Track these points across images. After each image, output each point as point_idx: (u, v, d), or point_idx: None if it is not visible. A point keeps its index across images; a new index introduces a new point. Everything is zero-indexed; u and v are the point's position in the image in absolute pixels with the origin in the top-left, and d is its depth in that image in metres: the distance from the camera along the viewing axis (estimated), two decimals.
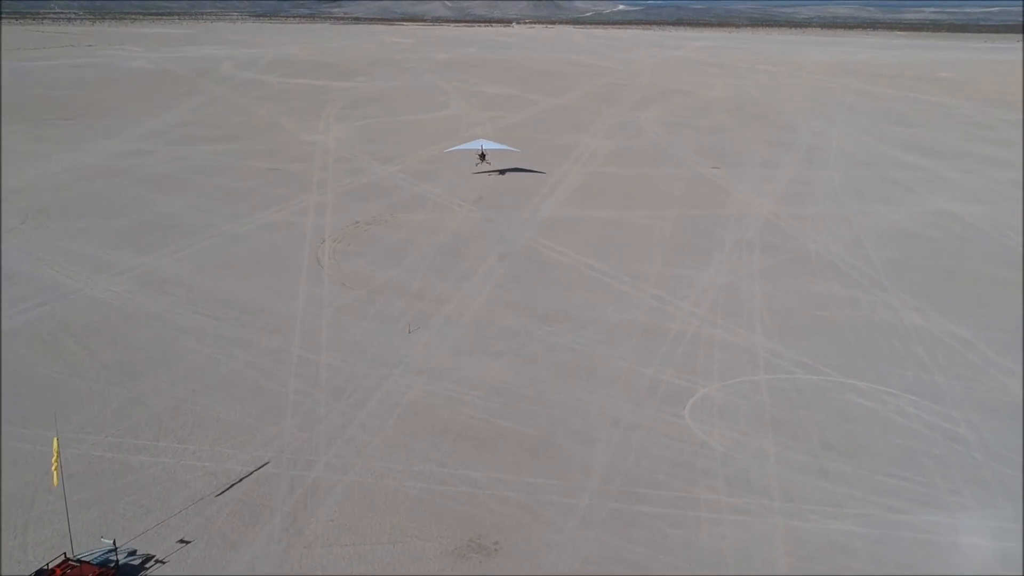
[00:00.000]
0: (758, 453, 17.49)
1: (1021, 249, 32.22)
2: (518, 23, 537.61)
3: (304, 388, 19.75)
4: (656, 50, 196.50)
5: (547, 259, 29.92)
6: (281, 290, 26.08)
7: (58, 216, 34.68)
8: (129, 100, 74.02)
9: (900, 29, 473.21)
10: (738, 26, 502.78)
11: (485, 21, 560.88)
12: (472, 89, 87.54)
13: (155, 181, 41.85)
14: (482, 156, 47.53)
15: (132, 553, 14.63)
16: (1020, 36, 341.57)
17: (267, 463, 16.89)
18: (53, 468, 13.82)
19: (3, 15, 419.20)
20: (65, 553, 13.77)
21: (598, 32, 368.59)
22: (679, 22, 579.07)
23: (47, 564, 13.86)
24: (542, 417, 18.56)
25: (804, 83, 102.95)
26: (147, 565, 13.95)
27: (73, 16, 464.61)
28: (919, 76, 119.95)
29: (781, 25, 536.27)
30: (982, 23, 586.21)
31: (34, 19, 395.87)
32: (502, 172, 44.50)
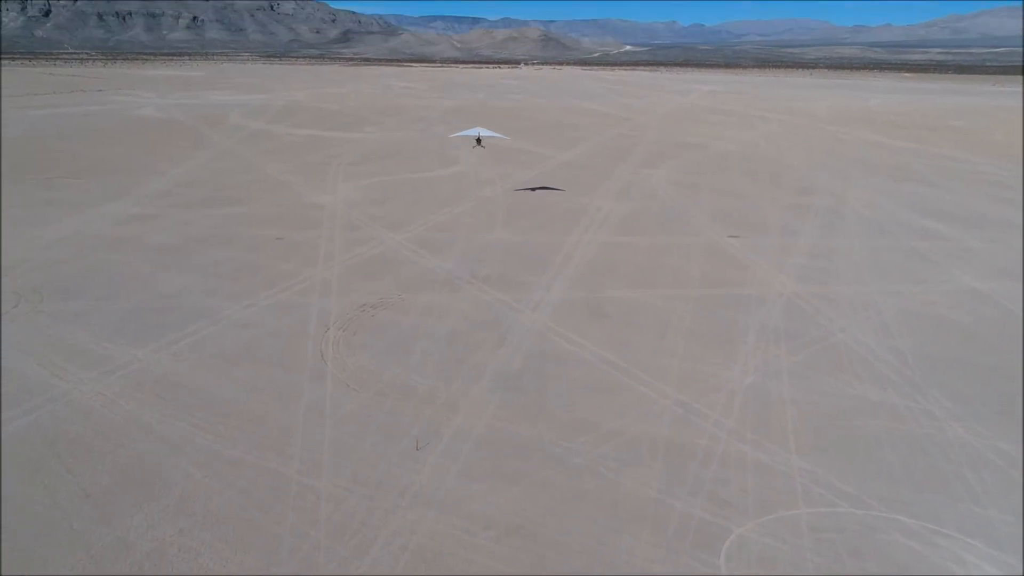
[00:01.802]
0: None
1: None
2: (526, 64, 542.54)
3: (302, 526, 18.11)
4: (664, 95, 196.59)
5: (561, 352, 28.42)
6: (283, 392, 24.66)
7: (53, 297, 33.40)
8: (136, 154, 73.29)
9: (907, 70, 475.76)
10: (745, 67, 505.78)
11: (493, 62, 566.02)
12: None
13: (157, 253, 40.64)
14: (478, 140, 63.96)
15: None
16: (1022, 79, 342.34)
17: None
18: None
19: (17, 56, 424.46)
20: None
21: (606, 75, 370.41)
22: (686, 63, 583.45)
23: None
24: (564, 566, 17.00)
25: (816, 134, 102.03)
26: None
27: (86, 57, 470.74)
28: (931, 126, 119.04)
29: (788, 66, 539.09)
30: (987, 64, 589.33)
31: (47, 60, 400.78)
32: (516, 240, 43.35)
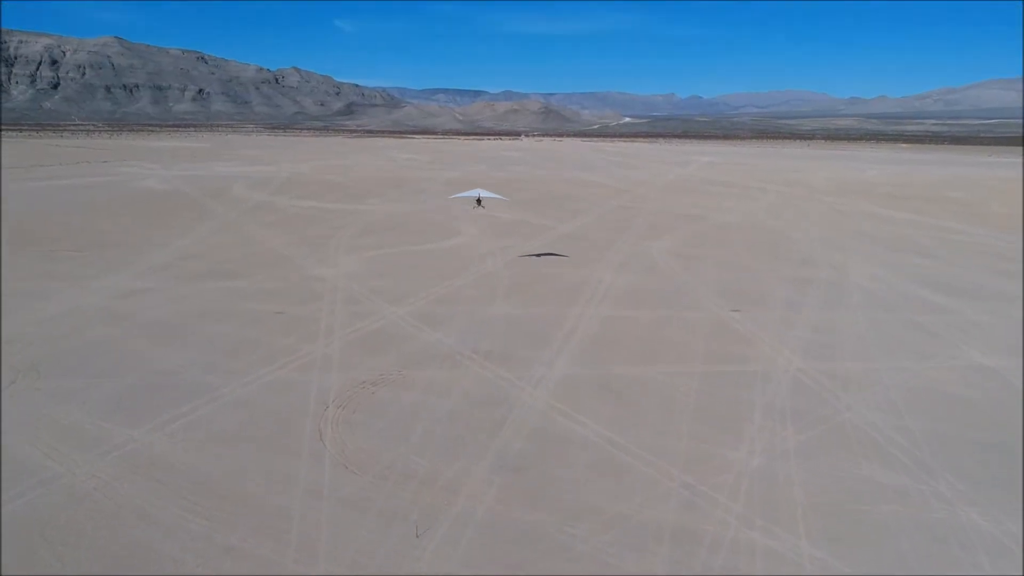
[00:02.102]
0: None
1: None
2: (527, 135, 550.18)
3: None
4: (663, 167, 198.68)
5: (564, 432, 27.91)
6: (280, 475, 24.12)
7: (50, 373, 33.05)
8: (138, 227, 73.61)
9: (903, 141, 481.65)
10: (743, 139, 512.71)
11: (494, 134, 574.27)
12: (483, 213, 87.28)
13: (156, 329, 40.40)
14: (478, 201, 63.94)
15: None
16: (1020, 149, 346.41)
17: None
18: None
19: (25, 128, 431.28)
20: None
21: (606, 146, 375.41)
22: (684, 134, 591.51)
23: None
24: None
25: (816, 206, 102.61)
26: None
27: (92, 128, 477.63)
28: (929, 197, 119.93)
29: (785, 137, 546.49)
30: (982, 135, 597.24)
31: (55, 131, 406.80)
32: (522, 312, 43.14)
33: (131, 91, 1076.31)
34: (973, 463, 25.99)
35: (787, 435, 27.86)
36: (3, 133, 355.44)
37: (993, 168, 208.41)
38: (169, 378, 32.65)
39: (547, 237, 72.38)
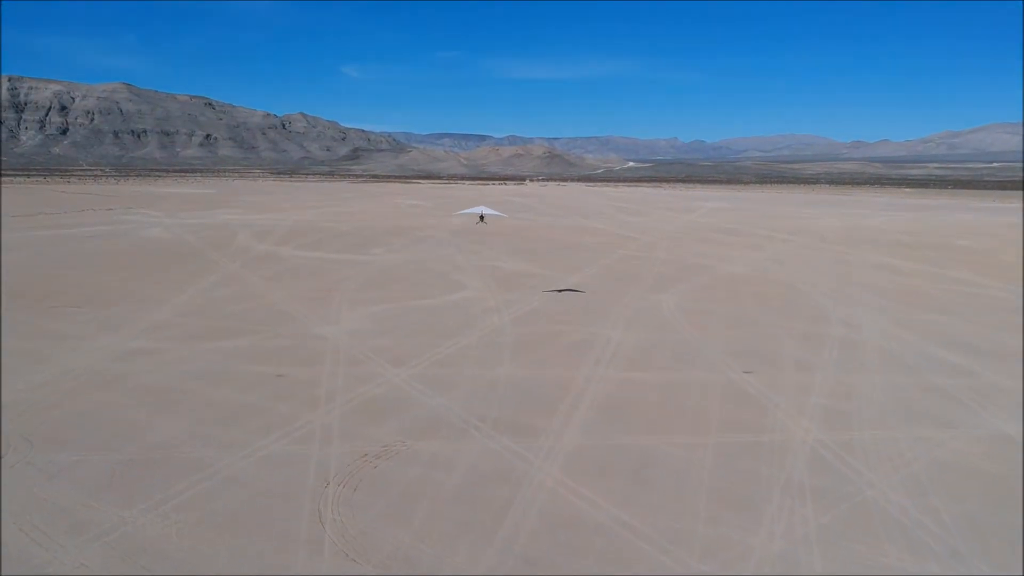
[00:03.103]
0: None
1: None
2: (531, 180, 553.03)
3: None
4: (669, 213, 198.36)
5: (574, 514, 26.56)
6: (276, 564, 22.77)
7: (42, 446, 31.87)
8: (140, 281, 72.84)
9: (907, 185, 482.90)
10: (747, 183, 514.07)
11: (499, 178, 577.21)
12: (488, 264, 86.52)
13: (152, 395, 39.29)
14: (481, 218, 70.26)
15: None
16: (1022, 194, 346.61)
17: None
18: None
19: (33, 173, 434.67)
20: None
21: (610, 191, 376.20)
22: (688, 179, 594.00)
23: None
24: None
25: (824, 256, 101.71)
26: None
27: (100, 174, 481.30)
28: (938, 245, 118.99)
29: (789, 182, 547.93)
30: (985, 179, 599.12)
31: (62, 176, 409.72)
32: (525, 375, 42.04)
33: (139, 136, 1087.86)
34: (1007, 549, 24.63)
35: (807, 516, 26.53)
36: (12, 179, 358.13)
37: (999, 214, 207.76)
38: (163, 452, 31.47)
39: (553, 290, 71.41)
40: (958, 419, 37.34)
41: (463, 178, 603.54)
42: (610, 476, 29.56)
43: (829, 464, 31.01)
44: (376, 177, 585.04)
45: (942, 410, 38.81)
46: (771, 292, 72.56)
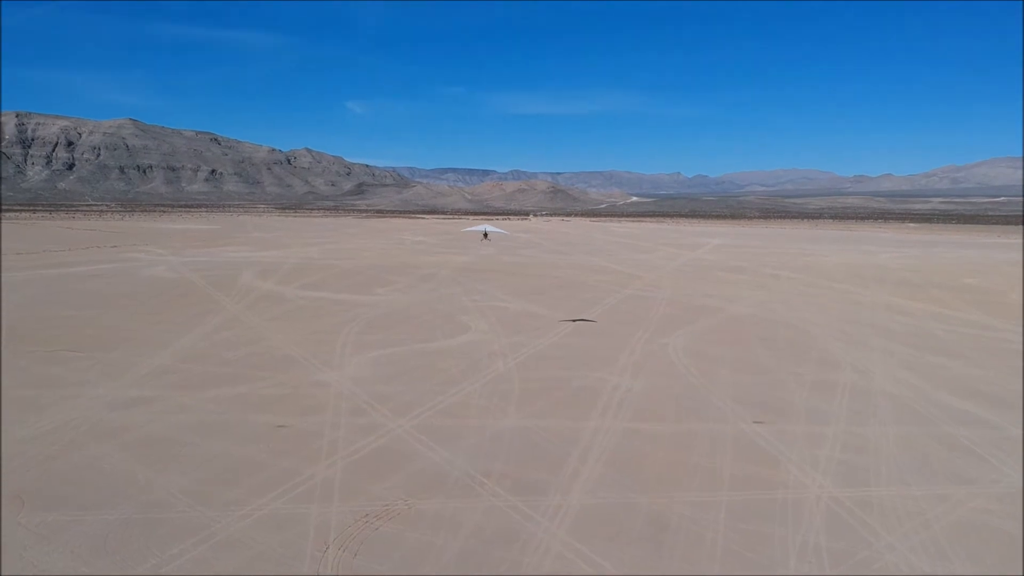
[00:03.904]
0: None
1: None
2: (535, 215, 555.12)
3: None
4: (673, 250, 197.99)
5: None
6: None
7: (34, 504, 31.00)
8: (142, 322, 72.23)
9: (910, 220, 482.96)
10: (750, 218, 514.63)
11: (503, 213, 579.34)
12: (492, 304, 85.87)
13: (150, 448, 38.44)
14: (485, 235, 69.59)
15: None
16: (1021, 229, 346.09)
17: None
18: None
19: (39, 209, 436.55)
20: None
21: (614, 226, 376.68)
22: (692, 214, 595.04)
23: None
24: None
25: (831, 296, 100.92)
26: None
27: (105, 209, 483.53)
28: (945, 284, 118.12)
29: (793, 217, 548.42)
30: (989, 213, 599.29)
31: (68, 212, 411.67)
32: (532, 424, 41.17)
33: (144, 171, 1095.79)
34: None
35: None
36: (18, 215, 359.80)
37: (1005, 250, 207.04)
38: (160, 511, 30.58)
39: (559, 332, 70.66)
40: (976, 474, 36.33)
41: (467, 213, 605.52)
42: (620, 539, 28.60)
43: (846, 524, 30.02)
44: (380, 212, 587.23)
45: (959, 464, 37.81)
46: (778, 335, 71.69)
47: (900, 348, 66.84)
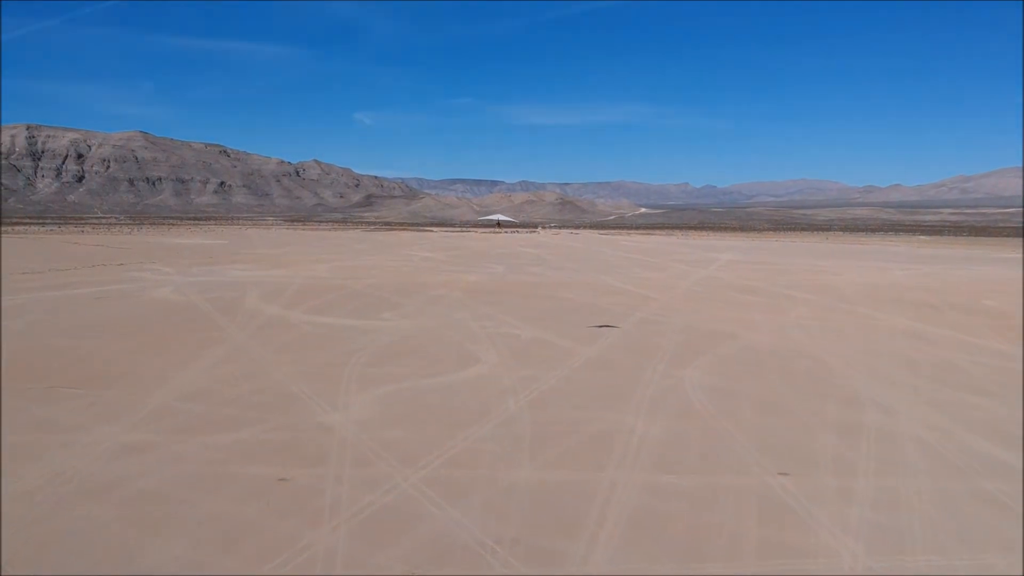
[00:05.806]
0: None
1: None
2: (543, 228, 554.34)
3: None
4: (684, 266, 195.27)
5: None
6: None
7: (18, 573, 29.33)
8: (144, 353, 70.26)
9: (921, 232, 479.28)
10: (760, 230, 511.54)
11: (511, 226, 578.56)
12: (502, 331, 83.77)
13: (143, 505, 36.46)
14: (499, 224, 64.21)
15: None
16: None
17: None
18: None
19: (47, 222, 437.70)
20: None
21: (623, 239, 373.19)
22: (701, 226, 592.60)
23: None
24: None
25: (848, 321, 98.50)
26: None
27: (114, 222, 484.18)
28: (964, 307, 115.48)
29: (803, 228, 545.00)
30: (1000, 224, 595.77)
31: (76, 225, 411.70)
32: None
33: (153, 184, 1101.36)
34: None
35: None
36: (27, 228, 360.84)
37: (1020, 267, 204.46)
38: None
39: (571, 364, 68.57)
40: (1017, 538, 34.15)
41: (476, 225, 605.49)
42: None
43: None
44: (388, 225, 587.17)
45: (1001, 526, 35.48)
46: (797, 367, 69.37)
47: (923, 383, 64.35)
